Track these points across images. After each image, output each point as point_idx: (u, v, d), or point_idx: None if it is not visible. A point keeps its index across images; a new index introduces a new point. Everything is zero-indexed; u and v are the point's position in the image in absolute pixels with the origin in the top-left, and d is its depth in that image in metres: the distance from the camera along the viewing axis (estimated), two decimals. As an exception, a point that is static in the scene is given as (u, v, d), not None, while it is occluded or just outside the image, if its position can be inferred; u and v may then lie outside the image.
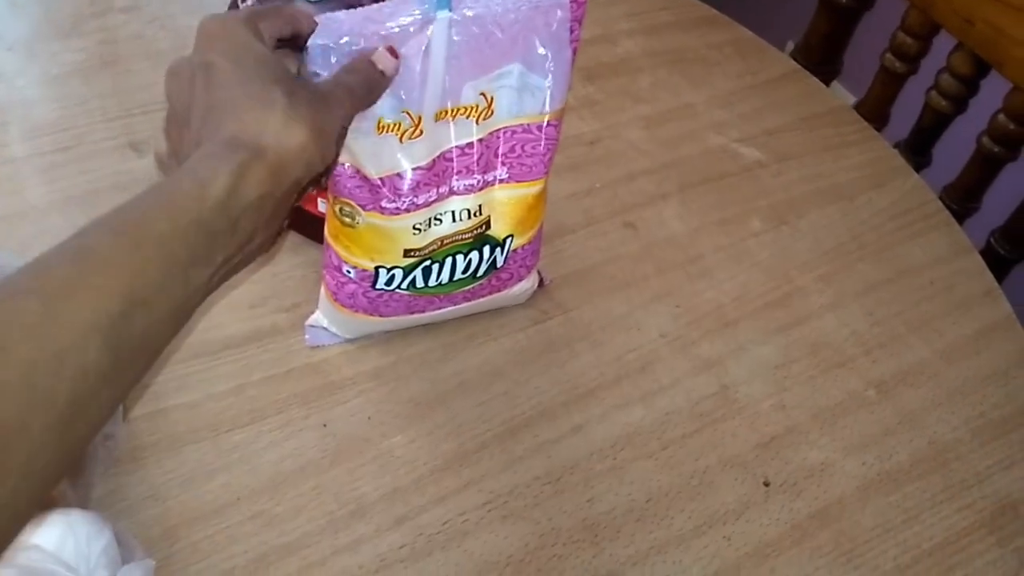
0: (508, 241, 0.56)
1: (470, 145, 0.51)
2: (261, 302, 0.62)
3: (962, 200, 0.96)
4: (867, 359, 0.64)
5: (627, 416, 0.59)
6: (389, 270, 0.54)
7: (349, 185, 0.50)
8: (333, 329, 0.59)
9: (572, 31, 0.51)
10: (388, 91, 0.46)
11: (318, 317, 0.60)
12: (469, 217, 0.54)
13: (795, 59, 0.93)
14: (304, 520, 0.52)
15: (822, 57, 1.06)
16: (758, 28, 0.94)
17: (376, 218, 0.51)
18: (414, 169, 0.50)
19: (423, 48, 0.46)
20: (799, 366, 0.63)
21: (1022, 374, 0.65)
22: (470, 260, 0.56)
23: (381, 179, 0.50)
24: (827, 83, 0.95)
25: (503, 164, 0.53)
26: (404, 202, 0.51)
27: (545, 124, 0.53)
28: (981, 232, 0.94)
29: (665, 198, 0.74)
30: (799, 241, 0.72)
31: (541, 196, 0.56)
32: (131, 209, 0.34)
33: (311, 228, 0.62)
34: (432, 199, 0.52)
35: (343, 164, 0.49)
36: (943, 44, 0.94)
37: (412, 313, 0.58)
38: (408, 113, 0.48)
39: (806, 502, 0.56)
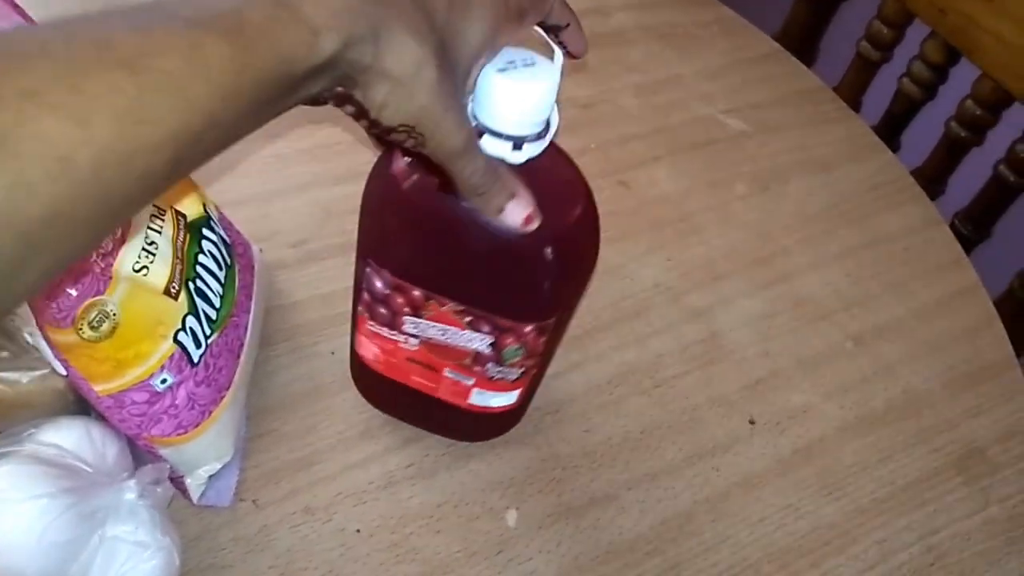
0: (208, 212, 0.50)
1: None
2: (268, 236, 0.63)
3: (928, 183, 1.00)
4: (846, 314, 0.68)
5: (622, 356, 0.62)
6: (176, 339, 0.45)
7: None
8: (214, 464, 0.49)
9: None
10: None
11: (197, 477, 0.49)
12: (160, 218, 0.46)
13: (776, 42, 0.97)
14: (314, 439, 0.53)
15: (799, 45, 1.10)
16: (740, 14, 0.97)
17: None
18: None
19: None
20: (783, 318, 0.67)
21: (987, 334, 0.69)
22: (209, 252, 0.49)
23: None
24: (806, 67, 0.98)
25: None
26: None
27: None
28: (945, 214, 0.98)
29: (656, 160, 0.77)
30: (782, 206, 0.76)
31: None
32: (246, 26, 0.27)
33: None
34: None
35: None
36: (915, 33, 0.99)
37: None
38: None
39: (789, 440, 0.59)
